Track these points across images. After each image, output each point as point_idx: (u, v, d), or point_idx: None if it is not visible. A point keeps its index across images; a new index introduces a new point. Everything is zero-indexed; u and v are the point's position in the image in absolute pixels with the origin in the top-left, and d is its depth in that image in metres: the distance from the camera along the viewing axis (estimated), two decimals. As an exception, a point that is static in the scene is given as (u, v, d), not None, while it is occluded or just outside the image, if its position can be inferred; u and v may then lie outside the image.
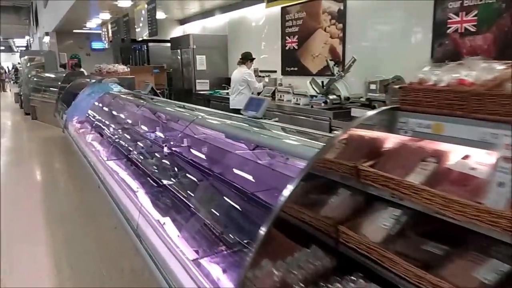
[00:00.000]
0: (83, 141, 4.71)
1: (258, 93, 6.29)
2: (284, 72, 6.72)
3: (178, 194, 2.68)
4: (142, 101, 3.90)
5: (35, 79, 11.27)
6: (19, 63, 18.45)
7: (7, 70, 36.67)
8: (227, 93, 7.51)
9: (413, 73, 1.64)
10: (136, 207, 2.47)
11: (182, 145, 3.65)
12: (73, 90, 7.52)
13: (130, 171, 3.42)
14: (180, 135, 3.57)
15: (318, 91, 4.84)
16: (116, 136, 4.39)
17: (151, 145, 3.77)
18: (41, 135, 8.52)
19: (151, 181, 3.10)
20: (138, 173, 3.35)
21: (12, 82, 30.21)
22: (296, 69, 6.42)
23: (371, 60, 5.00)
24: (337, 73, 4.95)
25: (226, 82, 8.46)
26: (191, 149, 3.27)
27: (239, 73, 6.06)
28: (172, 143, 3.71)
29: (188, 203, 2.44)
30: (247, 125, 2.25)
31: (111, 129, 4.59)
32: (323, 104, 4.76)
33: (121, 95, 4.42)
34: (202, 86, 8.48)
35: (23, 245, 3.34)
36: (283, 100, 5.98)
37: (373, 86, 4.05)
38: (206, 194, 2.70)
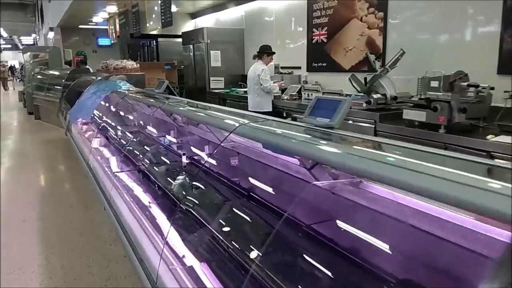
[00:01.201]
0: (87, 147, 4.07)
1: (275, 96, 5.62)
2: (310, 68, 6.04)
3: (212, 228, 2.03)
4: (156, 101, 3.25)
5: (38, 76, 10.70)
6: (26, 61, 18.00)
7: (14, 68, 36.29)
8: (245, 92, 6.86)
9: (481, 68, 0.96)
10: (156, 248, 1.81)
11: (210, 157, 3.01)
12: (77, 88, 6.95)
13: (144, 188, 2.77)
14: (208, 145, 2.92)
15: (359, 89, 4.16)
16: (126, 143, 3.74)
17: (176, 160, 3.13)
18: (43, 137, 7.91)
19: (174, 205, 2.45)
20: (156, 192, 2.70)
21: (18, 80, 29.83)
22: (324, 64, 5.74)
23: (417, 53, 4.31)
24: (379, 68, 4.26)
25: (242, 80, 7.79)
26: (227, 165, 2.62)
27: (254, 69, 5.37)
28: (195, 153, 3.07)
29: (231, 245, 1.79)
30: (322, 139, 1.59)
31: (120, 134, 3.94)
32: (365, 105, 4.08)
33: (131, 94, 3.78)
34: (217, 84, 7.83)
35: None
36: (311, 99, 5.30)
37: (434, 84, 3.36)
38: (249, 226, 2.04)
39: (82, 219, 3.61)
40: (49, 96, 9.35)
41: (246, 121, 1.84)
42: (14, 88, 22.39)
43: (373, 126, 3.94)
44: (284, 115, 5.35)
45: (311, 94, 5.32)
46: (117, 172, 3.15)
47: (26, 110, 11.35)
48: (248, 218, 2.23)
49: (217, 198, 2.40)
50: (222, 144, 2.95)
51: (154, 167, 3.35)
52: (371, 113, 4.01)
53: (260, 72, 5.21)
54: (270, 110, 5.36)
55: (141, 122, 4.20)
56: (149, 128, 4.18)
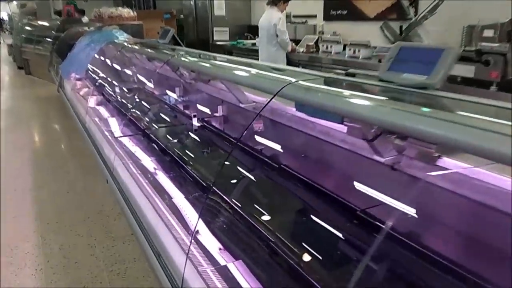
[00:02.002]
0: (83, 106, 3.59)
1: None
2: (328, 17, 5.43)
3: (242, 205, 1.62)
4: (162, 53, 2.73)
5: (26, 28, 9.96)
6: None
7: (3, 20, 34.73)
8: (253, 44, 6.27)
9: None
10: (182, 246, 1.39)
11: (227, 121, 2.58)
12: (68, 40, 6.34)
13: (153, 157, 2.34)
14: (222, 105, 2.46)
15: (393, 40, 3.63)
16: (128, 102, 3.26)
17: (185, 122, 2.68)
18: (34, 94, 7.36)
19: (190, 177, 2.02)
20: (167, 162, 2.26)
21: (7, 32, 28.47)
22: (344, 12, 5.14)
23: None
24: (413, 16, 3.71)
25: (249, 30, 7.17)
26: (250, 130, 2.17)
27: (268, 17, 4.75)
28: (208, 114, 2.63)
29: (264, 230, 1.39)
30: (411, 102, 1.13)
31: (120, 92, 3.45)
32: (398, 58, 3.56)
33: (130, 46, 3.25)
34: (221, 35, 7.19)
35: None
36: (330, 52, 4.77)
37: (489, 33, 2.84)
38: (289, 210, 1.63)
39: (80, 188, 3.20)
40: (39, 49, 8.71)
41: (293, 80, 1.36)
42: (3, 41, 21.30)
43: (409, 82, 3.45)
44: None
45: (331, 46, 4.79)
46: (120, 137, 2.70)
47: (16, 65, 10.67)
48: (281, 200, 1.82)
49: (247, 173, 1.97)
50: (243, 106, 2.50)
51: (161, 131, 2.91)
52: (406, 67, 3.51)
53: (276, 21, 4.62)
54: (285, 64, 4.83)
55: (144, 78, 3.70)
56: (153, 85, 3.69)
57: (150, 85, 3.79)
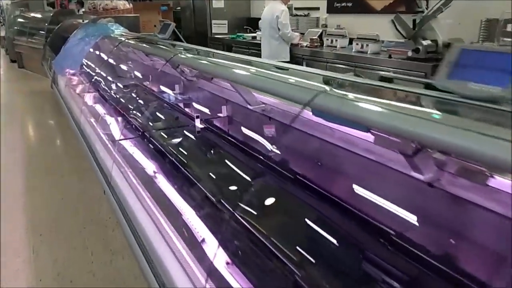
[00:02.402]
0: (77, 104, 3.39)
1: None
2: (331, 9, 5.23)
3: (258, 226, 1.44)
4: (163, 50, 2.53)
5: (19, 20, 9.67)
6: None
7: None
8: (253, 37, 6.06)
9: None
10: (182, 263, 1.22)
11: (233, 123, 2.40)
12: (62, 33, 6.12)
13: (156, 164, 2.15)
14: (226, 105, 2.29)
15: (404, 34, 3.45)
16: (125, 101, 3.07)
17: (188, 124, 2.50)
18: (27, 89, 7.13)
19: (197, 189, 1.84)
20: (173, 172, 2.08)
21: (0, 24, 27.95)
22: (350, 4, 4.93)
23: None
24: (425, 9, 3.52)
25: (248, 23, 6.96)
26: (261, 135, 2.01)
27: (271, 10, 4.56)
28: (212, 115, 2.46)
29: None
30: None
31: (117, 90, 3.26)
32: (410, 53, 3.39)
33: (128, 40, 3.04)
34: (219, 28, 6.97)
35: None
36: (335, 46, 4.58)
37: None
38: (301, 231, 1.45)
39: (75, 194, 3.01)
40: (32, 42, 8.45)
41: (327, 88, 1.17)
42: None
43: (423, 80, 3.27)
44: (304, 65, 4.63)
45: (336, 40, 4.59)
46: (118, 140, 2.51)
47: (8, 58, 10.39)
48: (300, 218, 1.64)
49: (259, 183, 1.79)
50: (251, 108, 2.33)
51: (161, 133, 2.72)
52: (419, 64, 3.34)
53: (279, 14, 4.43)
54: (288, 59, 4.64)
55: (142, 75, 3.51)
56: (152, 82, 3.49)
57: (149, 82, 3.59)
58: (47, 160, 3.70)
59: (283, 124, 2.12)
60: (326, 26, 5.20)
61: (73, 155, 3.71)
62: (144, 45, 2.68)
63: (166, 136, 2.70)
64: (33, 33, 8.53)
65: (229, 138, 2.47)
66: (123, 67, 3.57)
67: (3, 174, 3.35)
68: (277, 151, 2.16)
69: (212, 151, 2.49)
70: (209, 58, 1.91)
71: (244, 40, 6.12)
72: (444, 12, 3.36)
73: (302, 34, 4.90)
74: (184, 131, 2.78)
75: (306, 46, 4.74)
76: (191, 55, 2.02)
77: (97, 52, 3.82)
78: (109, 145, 2.40)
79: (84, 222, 2.58)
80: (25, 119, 5.18)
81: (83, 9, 6.88)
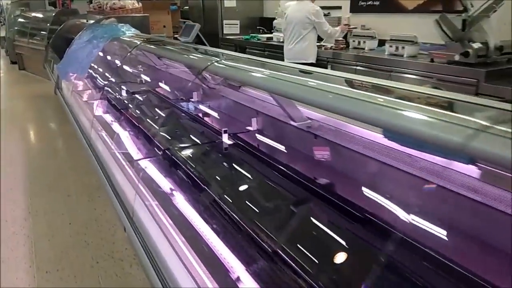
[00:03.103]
0: (86, 116, 3.03)
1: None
2: (356, 8, 4.87)
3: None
4: (200, 58, 2.16)
5: (19, 19, 9.32)
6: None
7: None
8: (268, 38, 5.71)
9: None
10: None
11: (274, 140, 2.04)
12: (65, 34, 5.79)
13: (186, 194, 1.79)
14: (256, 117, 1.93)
15: (451, 36, 3.08)
16: (144, 115, 2.73)
17: (214, 139, 2.16)
18: (29, 93, 6.77)
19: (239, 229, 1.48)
20: (203, 200, 1.73)
21: (1, 24, 27.62)
22: (377, 3, 4.57)
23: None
24: (470, 8, 3.16)
25: (261, 23, 6.61)
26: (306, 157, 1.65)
27: (300, 9, 4.22)
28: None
29: None
30: None
31: (131, 99, 2.91)
32: (458, 57, 3.02)
33: (145, 44, 2.68)
34: (231, 29, 6.61)
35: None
36: (363, 48, 4.22)
37: None
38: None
39: (85, 218, 2.66)
40: (33, 43, 8.11)
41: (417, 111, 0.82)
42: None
43: (474, 87, 2.92)
44: (329, 68, 4.28)
45: (364, 42, 4.23)
46: (137, 160, 2.16)
47: (9, 59, 10.03)
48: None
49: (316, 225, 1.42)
50: (296, 124, 1.99)
51: (185, 151, 2.37)
52: (469, 70, 2.97)
53: (309, 14, 4.11)
54: (314, 61, 4.29)
55: (158, 82, 3.17)
56: (169, 89, 3.15)
57: (165, 89, 3.24)
58: (51, 176, 3.34)
59: (331, 143, 1.78)
60: (348, 26, 4.85)
61: (81, 171, 3.35)
62: (171, 51, 2.31)
63: (191, 156, 2.35)
64: (34, 34, 8.21)
65: (265, 157, 2.12)
66: (138, 73, 3.22)
67: (2, 192, 3.00)
68: (325, 175, 1.82)
69: (246, 173, 2.14)
70: (256, 68, 1.55)
71: (258, 41, 5.76)
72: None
73: (347, 25, 4.54)
74: (211, 149, 2.43)
75: (330, 48, 4.38)
76: (232, 63, 1.66)
77: (108, 57, 3.47)
78: (127, 168, 2.04)
79: (96, 255, 2.23)
80: (26, 128, 4.82)
81: (92, 5, 6.48)
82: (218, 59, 1.71)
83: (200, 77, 2.88)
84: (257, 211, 1.66)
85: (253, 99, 2.43)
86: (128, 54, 2.89)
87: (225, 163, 2.24)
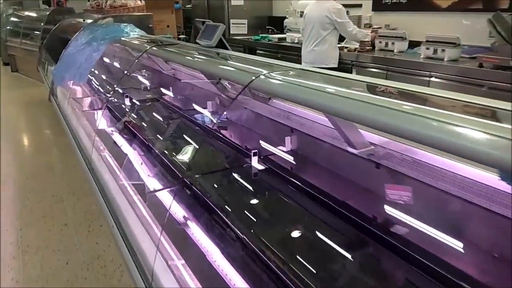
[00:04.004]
0: (86, 132, 2.60)
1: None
2: (379, 7, 4.46)
3: None
4: (244, 71, 1.74)
5: (12, 19, 8.87)
6: None
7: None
8: (280, 39, 5.29)
9: None
10: None
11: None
12: (61, 34, 5.38)
13: (216, 242, 1.38)
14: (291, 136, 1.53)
15: (505, 36, 2.68)
16: (153, 129, 2.31)
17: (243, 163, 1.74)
18: (21, 97, 6.32)
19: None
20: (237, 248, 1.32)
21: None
22: (404, 1, 4.16)
23: None
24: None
25: (270, 23, 6.19)
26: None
27: (320, 8, 3.81)
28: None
29: None
30: None
31: (139, 115, 2.50)
32: (515, 62, 2.62)
33: (158, 49, 2.25)
34: (239, 29, 6.18)
35: None
36: (392, 50, 3.81)
37: None
38: None
39: (85, 256, 2.23)
40: (26, 43, 7.68)
41: None
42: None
43: (539, 97, 2.51)
44: (354, 72, 3.87)
45: (392, 43, 3.82)
46: (151, 192, 1.74)
47: (1, 60, 9.56)
48: None
49: None
50: (356, 152, 1.60)
51: (209, 179, 1.96)
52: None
53: (331, 13, 3.70)
54: (336, 65, 3.88)
55: (173, 93, 2.76)
56: (184, 101, 2.74)
57: (178, 98, 2.83)
58: (46, 200, 2.90)
59: (398, 174, 1.40)
60: (370, 26, 4.44)
61: (79, 192, 2.93)
62: (200, 60, 1.88)
63: (216, 186, 1.93)
64: (27, 34, 7.79)
65: (308, 188, 1.72)
66: (145, 81, 2.80)
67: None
68: (390, 215, 1.42)
69: (287, 210, 1.74)
70: (323, 85, 1.14)
71: (269, 42, 5.34)
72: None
73: (375, 31, 4.11)
74: (239, 175, 2.02)
75: (354, 50, 3.97)
76: (286, 78, 1.24)
77: (110, 61, 3.04)
78: (141, 207, 1.62)
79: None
80: (18, 140, 4.35)
81: (90, 3, 6.05)
82: (266, 72, 1.29)
83: (219, 87, 2.47)
84: (308, 265, 1.26)
85: (286, 114, 2.02)
86: (136, 59, 2.46)
87: (259, 197, 1.83)
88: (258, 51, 5.37)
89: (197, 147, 2.26)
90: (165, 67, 3.07)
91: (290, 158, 1.90)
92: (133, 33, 3.13)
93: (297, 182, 1.73)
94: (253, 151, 1.96)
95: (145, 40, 2.83)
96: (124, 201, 1.71)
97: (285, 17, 5.82)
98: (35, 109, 5.46)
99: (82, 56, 3.17)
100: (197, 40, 2.15)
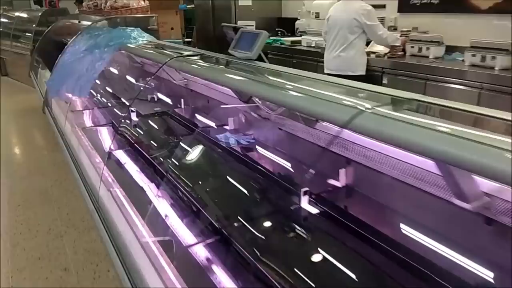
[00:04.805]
0: (92, 162, 2.17)
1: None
2: (406, 7, 4.07)
3: None
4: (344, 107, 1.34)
5: (1, 20, 8.42)
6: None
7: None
8: (293, 42, 4.89)
9: None
10: None
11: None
12: (54, 37, 4.97)
13: None
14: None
15: None
16: (178, 165, 1.91)
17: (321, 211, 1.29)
18: (11, 105, 5.86)
19: None
20: None
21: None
22: (436, 2, 3.79)
23: None
24: None
25: (279, 25, 5.79)
26: None
27: (347, 9, 3.43)
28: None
29: None
30: None
31: (159, 142, 2.09)
32: None
33: (180, 61, 1.83)
34: (246, 31, 5.76)
35: None
36: (427, 56, 3.43)
37: None
38: None
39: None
40: (17, 46, 7.26)
41: None
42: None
43: None
44: (385, 81, 3.49)
45: (427, 48, 3.45)
46: (189, 245, 1.34)
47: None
48: None
49: None
50: (469, 207, 1.18)
51: (252, 230, 1.56)
52: None
53: (363, 12, 3.32)
54: (364, 73, 3.50)
55: (191, 109, 2.37)
56: (207, 117, 2.35)
57: (198, 117, 2.44)
58: (41, 236, 2.48)
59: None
60: (395, 29, 4.07)
61: (81, 226, 2.51)
62: (261, 82, 1.45)
63: (264, 237, 1.53)
64: (18, 36, 7.39)
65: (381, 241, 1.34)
66: (159, 94, 2.40)
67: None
68: None
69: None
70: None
71: (282, 45, 4.94)
72: None
73: (405, 34, 3.71)
74: (286, 221, 1.63)
75: (384, 56, 3.59)
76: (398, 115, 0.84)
77: (118, 73, 2.63)
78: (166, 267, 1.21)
79: None
80: (8, 159, 3.87)
81: (86, 3, 5.62)
82: (369, 106, 0.89)
83: (251, 104, 2.09)
84: None
85: (342, 141, 1.62)
86: (154, 73, 2.05)
87: (316, 251, 1.43)
88: (269, 56, 4.97)
89: (229, 181, 1.86)
90: (177, 77, 2.67)
91: (338, 193, 1.54)
92: (141, 39, 2.72)
93: (365, 233, 1.34)
94: (303, 190, 1.56)
95: (155, 47, 2.42)
96: (147, 264, 1.30)
97: (296, 19, 5.43)
98: (27, 120, 5.01)
99: (82, 66, 2.75)
100: (230, 51, 1.75)
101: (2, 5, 9.73)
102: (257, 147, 2.07)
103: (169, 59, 1.83)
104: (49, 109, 3.61)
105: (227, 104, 2.32)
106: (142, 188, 1.84)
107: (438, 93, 3.06)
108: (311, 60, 4.29)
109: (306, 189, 1.55)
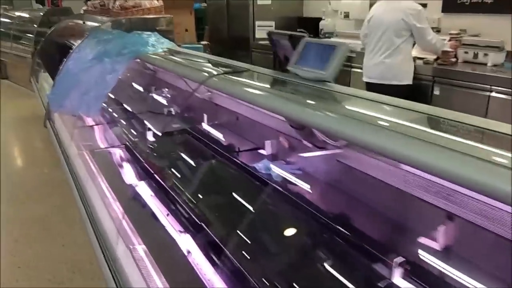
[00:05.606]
0: (106, 202, 1.73)
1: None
2: (451, 7, 3.62)
3: None
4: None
5: (1, 20, 8.06)
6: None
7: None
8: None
9: None
10: None
11: None
12: (57, 39, 4.57)
13: None
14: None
15: None
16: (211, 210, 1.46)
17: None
18: (11, 112, 5.44)
19: None
20: None
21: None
22: (490, 1, 3.33)
23: None
24: None
25: (300, 25, 5.33)
26: None
27: (394, 9, 2.98)
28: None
29: None
30: None
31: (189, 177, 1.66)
32: None
33: (224, 81, 1.40)
34: (264, 32, 5.32)
35: None
36: (485, 64, 2.99)
37: None
38: None
39: None
40: (18, 48, 6.91)
41: None
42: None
43: None
44: (437, 92, 3.05)
45: (485, 55, 3.00)
46: None
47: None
48: None
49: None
50: None
51: None
52: None
53: (412, 13, 2.89)
54: (411, 82, 3.05)
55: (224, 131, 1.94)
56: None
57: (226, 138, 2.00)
58: (42, 283, 2.05)
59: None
60: (439, 31, 3.62)
61: (86, 271, 2.07)
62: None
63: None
64: (19, 37, 7.04)
65: None
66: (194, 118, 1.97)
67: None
68: None
69: None
70: None
71: (306, 48, 4.48)
72: None
73: (455, 38, 3.25)
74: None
75: (434, 62, 3.15)
76: None
77: (137, 88, 2.20)
78: None
79: None
80: (8, 180, 3.42)
81: (84, 8, 5.22)
82: None
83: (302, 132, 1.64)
84: None
85: (441, 190, 1.16)
86: (191, 93, 1.61)
87: None
88: (293, 60, 4.52)
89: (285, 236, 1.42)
90: (200, 89, 2.23)
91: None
92: (160, 46, 2.28)
93: None
94: (395, 260, 1.12)
95: (181, 58, 1.98)
96: None
97: (320, 19, 4.98)
98: (28, 130, 4.59)
99: (90, 78, 2.31)
100: (289, 68, 1.31)
101: (2, 4, 9.35)
102: (307, 182, 1.63)
103: (207, 76, 1.39)
104: (51, 123, 3.18)
105: (261, 122, 1.88)
106: (174, 241, 1.41)
107: (504, 108, 2.62)
108: (344, 65, 3.84)
109: (401, 259, 1.11)
